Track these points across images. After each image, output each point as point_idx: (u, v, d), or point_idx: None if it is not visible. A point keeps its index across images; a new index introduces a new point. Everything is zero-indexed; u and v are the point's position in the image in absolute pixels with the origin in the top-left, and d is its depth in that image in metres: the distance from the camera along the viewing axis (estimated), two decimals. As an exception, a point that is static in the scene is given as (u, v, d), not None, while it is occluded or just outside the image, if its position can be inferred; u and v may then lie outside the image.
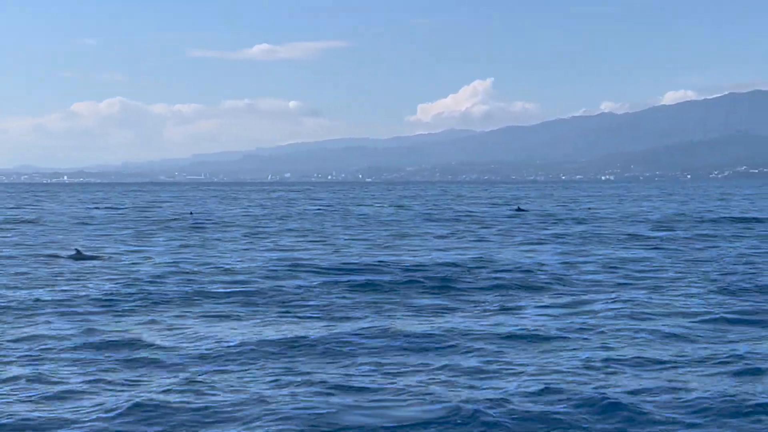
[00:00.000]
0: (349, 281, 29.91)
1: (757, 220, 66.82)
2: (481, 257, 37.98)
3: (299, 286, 28.70)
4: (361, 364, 17.68)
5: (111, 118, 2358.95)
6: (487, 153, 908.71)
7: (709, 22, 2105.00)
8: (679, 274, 32.00)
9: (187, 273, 32.68)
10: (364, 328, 21.16)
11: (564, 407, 14.64)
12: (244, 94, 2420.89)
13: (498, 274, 31.94)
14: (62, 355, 18.51)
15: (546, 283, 29.81)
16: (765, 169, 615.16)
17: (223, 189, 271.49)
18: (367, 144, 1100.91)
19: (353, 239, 51.01)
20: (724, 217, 71.02)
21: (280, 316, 23.35)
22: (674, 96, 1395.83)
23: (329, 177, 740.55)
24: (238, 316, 23.51)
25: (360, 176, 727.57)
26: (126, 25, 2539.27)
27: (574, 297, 26.66)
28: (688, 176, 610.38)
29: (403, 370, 17.33)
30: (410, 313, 23.90)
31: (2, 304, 25.07)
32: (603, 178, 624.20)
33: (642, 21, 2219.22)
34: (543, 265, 34.95)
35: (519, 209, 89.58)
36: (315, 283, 29.41)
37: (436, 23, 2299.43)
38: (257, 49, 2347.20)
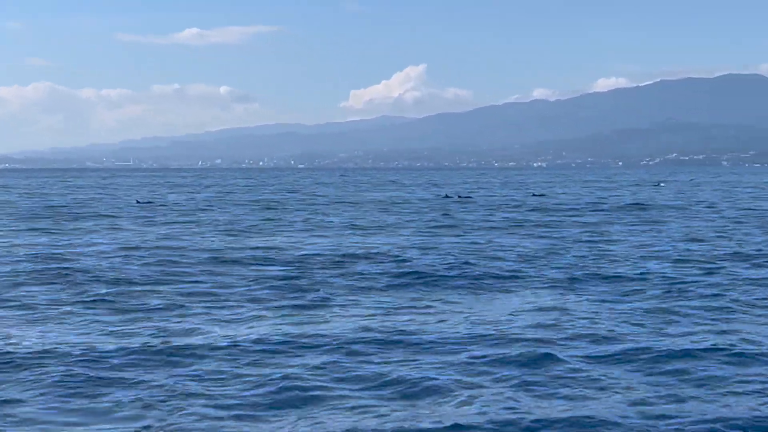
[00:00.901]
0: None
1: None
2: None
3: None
4: None
5: (38, 103, 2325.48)
6: (420, 140, 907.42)
7: (640, 9, 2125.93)
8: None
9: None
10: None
11: None
12: (174, 79, 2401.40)
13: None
14: None
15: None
16: (695, 156, 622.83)
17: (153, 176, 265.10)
18: (299, 130, 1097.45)
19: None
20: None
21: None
22: (606, 83, 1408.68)
23: (261, 163, 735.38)
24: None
25: (292, 162, 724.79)
26: (51, 7, 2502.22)
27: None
28: (620, 163, 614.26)
29: None
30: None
31: None
32: (535, 165, 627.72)
33: (574, 8, 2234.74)
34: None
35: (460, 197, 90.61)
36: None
37: (368, 8, 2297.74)
38: (187, 33, 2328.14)
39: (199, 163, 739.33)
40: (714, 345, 18.95)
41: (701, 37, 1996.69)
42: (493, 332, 20.30)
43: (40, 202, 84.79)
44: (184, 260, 33.92)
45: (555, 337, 19.77)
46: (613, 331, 20.51)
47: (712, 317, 22.26)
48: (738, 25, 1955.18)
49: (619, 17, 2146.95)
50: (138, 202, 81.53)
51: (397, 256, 35.28)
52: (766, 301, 24.50)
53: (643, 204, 75.04)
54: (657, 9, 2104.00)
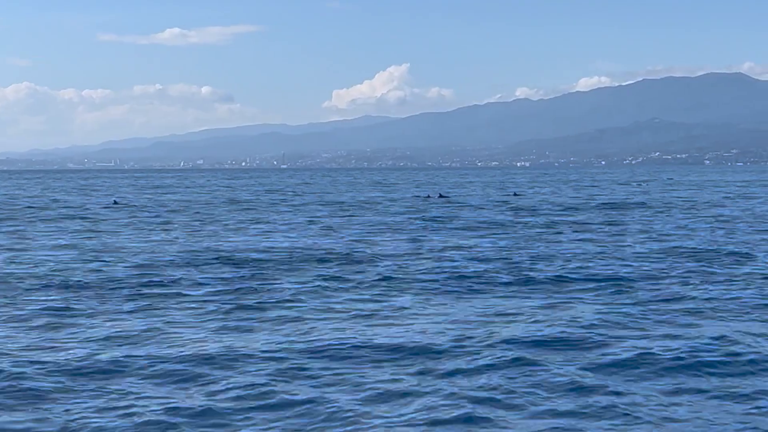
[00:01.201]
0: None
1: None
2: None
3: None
4: None
5: (18, 103, 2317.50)
6: (403, 139, 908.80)
7: (622, 8, 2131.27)
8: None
9: None
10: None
11: None
12: (155, 79, 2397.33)
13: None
14: None
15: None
16: (678, 156, 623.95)
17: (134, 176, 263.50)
18: (282, 130, 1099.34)
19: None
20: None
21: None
22: (588, 82, 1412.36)
23: (243, 164, 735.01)
24: None
25: (275, 163, 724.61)
26: (32, 7, 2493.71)
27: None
28: (603, 162, 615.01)
29: None
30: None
31: None
32: (518, 164, 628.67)
33: (556, 7, 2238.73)
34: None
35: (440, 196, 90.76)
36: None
37: (350, 8, 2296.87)
38: (168, 33, 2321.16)
39: (181, 163, 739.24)
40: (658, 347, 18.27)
41: (683, 36, 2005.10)
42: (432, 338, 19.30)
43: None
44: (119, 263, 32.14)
45: (479, 343, 18.65)
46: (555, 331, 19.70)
47: (659, 318, 21.57)
48: (720, 24, 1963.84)
49: (601, 16, 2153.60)
50: (116, 203, 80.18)
51: (347, 254, 34.55)
52: (715, 301, 23.75)
53: (615, 204, 74.59)
54: (639, 8, 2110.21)
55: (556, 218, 56.99)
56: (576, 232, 46.23)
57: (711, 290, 25.36)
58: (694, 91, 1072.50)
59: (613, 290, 25.37)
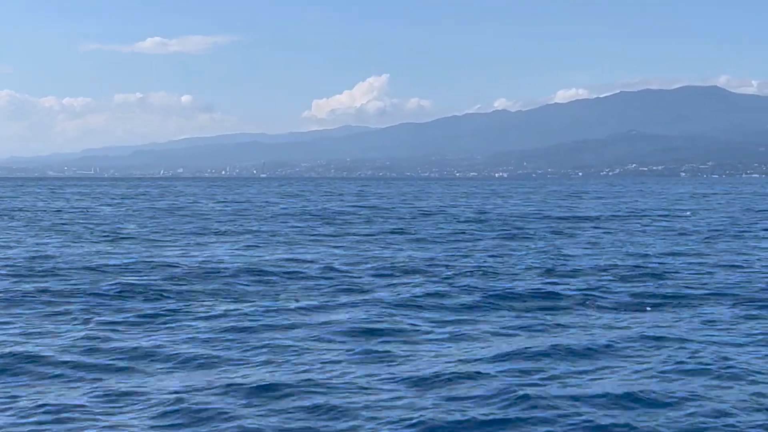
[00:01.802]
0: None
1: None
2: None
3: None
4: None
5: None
6: (383, 149, 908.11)
7: (600, 21, 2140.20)
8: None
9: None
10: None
11: None
12: (136, 88, 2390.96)
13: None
14: None
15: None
16: (655, 167, 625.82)
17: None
18: (262, 139, 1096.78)
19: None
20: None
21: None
22: (566, 94, 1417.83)
23: (223, 172, 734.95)
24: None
25: (255, 172, 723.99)
26: (14, 15, 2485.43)
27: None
28: (580, 174, 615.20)
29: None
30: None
31: None
32: (497, 175, 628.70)
33: (535, 19, 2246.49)
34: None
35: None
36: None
37: (331, 18, 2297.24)
38: (149, 42, 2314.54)
39: (161, 172, 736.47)
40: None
41: (660, 49, 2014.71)
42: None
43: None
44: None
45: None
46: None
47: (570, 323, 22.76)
48: (696, 37, 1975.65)
49: (578, 29, 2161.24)
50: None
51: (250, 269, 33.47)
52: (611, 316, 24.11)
53: (565, 217, 72.88)
54: (616, 21, 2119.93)
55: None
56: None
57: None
58: (671, 104, 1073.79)
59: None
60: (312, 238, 49.20)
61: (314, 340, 20.26)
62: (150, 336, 20.78)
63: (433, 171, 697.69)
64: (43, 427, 14.18)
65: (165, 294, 26.83)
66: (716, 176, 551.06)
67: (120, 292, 27.02)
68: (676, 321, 23.20)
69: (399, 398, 15.67)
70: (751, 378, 17.22)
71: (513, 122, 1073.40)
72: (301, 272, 32.27)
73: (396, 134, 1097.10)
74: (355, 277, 31.13)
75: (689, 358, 18.65)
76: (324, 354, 18.92)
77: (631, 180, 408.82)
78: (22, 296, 26.35)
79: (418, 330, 21.66)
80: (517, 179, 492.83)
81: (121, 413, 14.85)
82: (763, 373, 17.57)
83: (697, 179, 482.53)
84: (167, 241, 47.00)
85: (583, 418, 14.70)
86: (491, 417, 14.69)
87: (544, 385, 16.50)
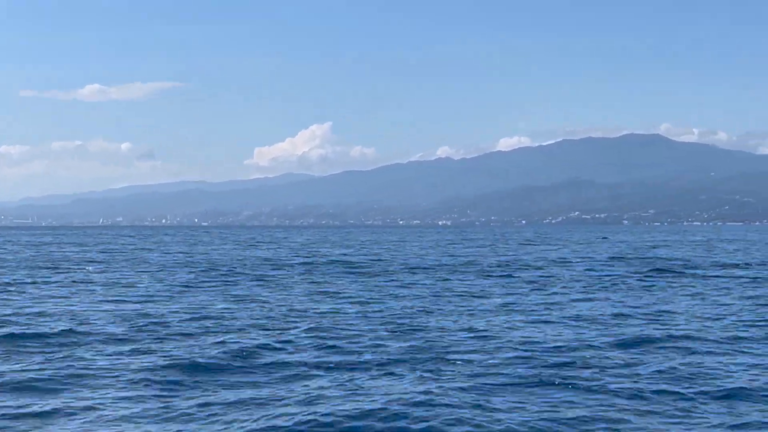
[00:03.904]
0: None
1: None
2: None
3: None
4: None
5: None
6: (326, 197, 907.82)
7: (542, 69, 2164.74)
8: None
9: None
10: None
11: None
12: (75, 135, 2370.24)
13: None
14: None
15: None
16: (598, 215, 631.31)
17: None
18: (203, 187, 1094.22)
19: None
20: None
21: None
22: (509, 142, 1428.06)
23: (164, 221, 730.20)
24: None
25: (196, 220, 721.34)
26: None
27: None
28: (523, 222, 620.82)
29: None
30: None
31: None
32: (441, 222, 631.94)
33: (476, 68, 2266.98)
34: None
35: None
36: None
37: (273, 66, 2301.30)
38: (88, 89, 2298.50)
39: (101, 220, 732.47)
40: None
41: (602, 98, 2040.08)
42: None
43: None
44: None
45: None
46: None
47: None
48: (638, 86, 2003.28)
49: (520, 78, 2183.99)
50: None
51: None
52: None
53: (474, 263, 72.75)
54: (557, 69, 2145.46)
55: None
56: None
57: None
58: (614, 152, 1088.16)
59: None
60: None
61: None
62: None
63: (377, 218, 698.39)
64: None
65: None
66: (657, 224, 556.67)
67: None
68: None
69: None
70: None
71: (456, 170, 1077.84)
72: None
73: (339, 182, 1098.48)
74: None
75: None
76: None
77: (573, 228, 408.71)
78: None
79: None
80: (460, 227, 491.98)
81: None
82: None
83: (640, 226, 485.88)
84: None
85: None
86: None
87: None
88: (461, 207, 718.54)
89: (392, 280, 53.04)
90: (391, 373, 21.52)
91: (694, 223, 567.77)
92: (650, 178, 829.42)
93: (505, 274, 58.86)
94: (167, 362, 22.54)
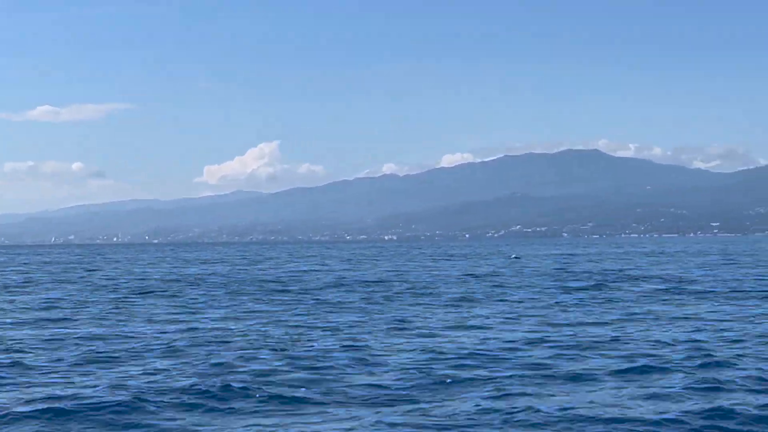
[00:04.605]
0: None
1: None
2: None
3: None
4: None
5: None
6: (274, 213, 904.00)
7: (483, 87, 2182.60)
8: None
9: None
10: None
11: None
12: (27, 156, 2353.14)
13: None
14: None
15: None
16: (538, 228, 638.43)
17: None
18: (154, 205, 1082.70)
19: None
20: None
21: None
22: (452, 158, 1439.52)
23: (115, 239, 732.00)
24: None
25: (146, 238, 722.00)
26: None
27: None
28: (467, 235, 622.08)
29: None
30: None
31: None
32: (386, 237, 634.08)
33: (419, 86, 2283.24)
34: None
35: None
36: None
37: (221, 87, 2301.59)
38: (39, 110, 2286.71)
39: (53, 239, 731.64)
40: None
41: (542, 115, 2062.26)
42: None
43: None
44: None
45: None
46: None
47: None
48: (576, 102, 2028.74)
49: (462, 96, 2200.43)
50: None
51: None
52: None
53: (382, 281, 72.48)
54: (498, 87, 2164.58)
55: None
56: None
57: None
58: (554, 167, 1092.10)
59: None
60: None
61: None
62: None
63: (325, 234, 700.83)
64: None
65: None
66: (596, 236, 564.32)
67: None
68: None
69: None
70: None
71: (401, 186, 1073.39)
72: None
73: (288, 199, 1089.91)
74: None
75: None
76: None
77: (514, 241, 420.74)
78: None
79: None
80: (405, 241, 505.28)
81: None
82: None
83: (579, 239, 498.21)
84: None
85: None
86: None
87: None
88: (406, 222, 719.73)
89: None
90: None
91: (632, 235, 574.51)
92: (589, 192, 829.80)
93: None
94: None
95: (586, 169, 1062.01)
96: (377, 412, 19.92)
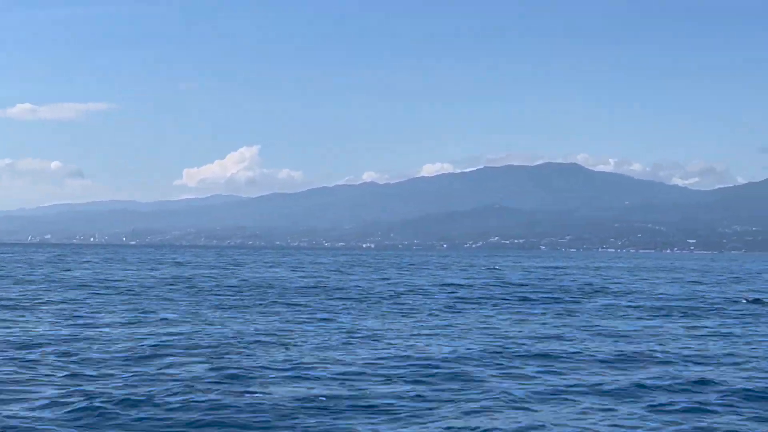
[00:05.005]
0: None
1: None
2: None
3: None
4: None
5: None
6: (253, 218, 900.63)
7: (464, 98, 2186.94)
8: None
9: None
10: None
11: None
12: (5, 154, 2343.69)
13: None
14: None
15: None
16: (516, 240, 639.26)
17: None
18: (132, 207, 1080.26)
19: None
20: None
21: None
22: (432, 168, 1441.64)
23: (92, 239, 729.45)
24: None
25: (124, 239, 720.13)
26: None
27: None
28: (445, 245, 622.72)
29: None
30: None
31: None
32: (364, 245, 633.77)
33: (402, 95, 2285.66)
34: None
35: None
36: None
37: (202, 89, 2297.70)
38: (18, 108, 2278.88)
39: (29, 237, 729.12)
40: None
41: (523, 127, 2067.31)
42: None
43: None
44: None
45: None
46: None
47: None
48: (557, 116, 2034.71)
49: (444, 106, 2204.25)
50: None
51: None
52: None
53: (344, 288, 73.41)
54: (479, 98, 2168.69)
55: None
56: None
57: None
58: (533, 179, 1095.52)
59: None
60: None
61: None
62: None
63: (303, 240, 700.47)
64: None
65: None
66: (574, 249, 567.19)
67: None
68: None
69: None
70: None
71: (381, 194, 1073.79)
72: None
73: (267, 204, 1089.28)
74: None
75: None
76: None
77: (492, 252, 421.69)
78: None
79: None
80: (383, 249, 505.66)
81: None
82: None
83: (557, 251, 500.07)
84: None
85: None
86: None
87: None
88: (385, 230, 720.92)
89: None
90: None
91: (609, 249, 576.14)
92: (567, 205, 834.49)
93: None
94: None
95: (566, 183, 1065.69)
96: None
